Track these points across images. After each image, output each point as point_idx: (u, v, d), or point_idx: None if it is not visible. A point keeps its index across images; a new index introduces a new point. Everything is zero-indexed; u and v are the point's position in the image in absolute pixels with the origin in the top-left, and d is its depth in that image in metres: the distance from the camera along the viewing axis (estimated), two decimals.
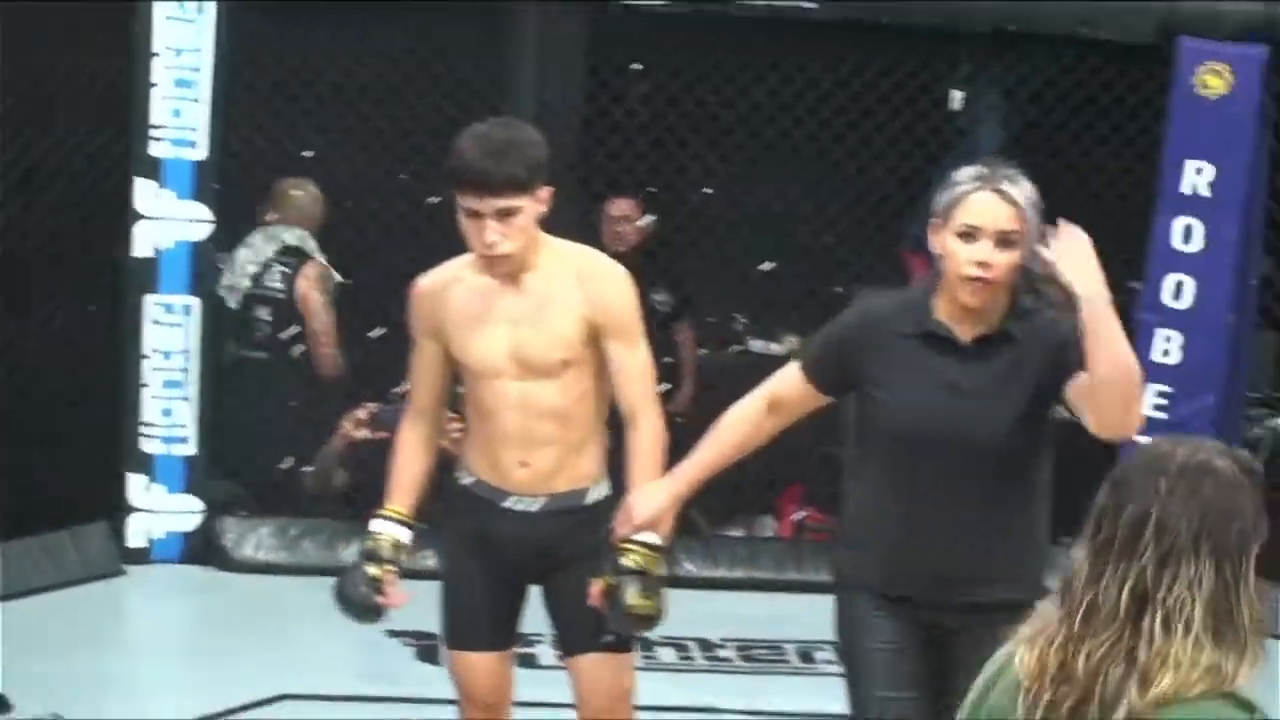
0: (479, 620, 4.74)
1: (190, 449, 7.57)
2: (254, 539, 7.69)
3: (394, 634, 6.97)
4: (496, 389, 4.56)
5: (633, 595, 4.44)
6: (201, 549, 7.62)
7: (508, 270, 4.52)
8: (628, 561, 4.46)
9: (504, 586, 4.69)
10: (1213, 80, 7.67)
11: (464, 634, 4.77)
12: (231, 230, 7.73)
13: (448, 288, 4.63)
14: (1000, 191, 4.15)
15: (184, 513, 7.61)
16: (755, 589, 7.18)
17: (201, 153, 7.49)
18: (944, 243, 4.18)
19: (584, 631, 4.60)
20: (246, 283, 7.88)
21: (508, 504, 4.62)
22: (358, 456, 7.73)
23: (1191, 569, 2.65)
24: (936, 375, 4.23)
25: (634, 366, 4.57)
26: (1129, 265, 7.61)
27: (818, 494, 8.08)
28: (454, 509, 4.76)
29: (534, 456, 4.57)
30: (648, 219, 8.08)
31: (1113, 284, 7.37)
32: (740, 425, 4.46)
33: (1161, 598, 2.65)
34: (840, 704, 6.45)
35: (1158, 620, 2.64)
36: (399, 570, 4.74)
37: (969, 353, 4.23)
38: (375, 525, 4.76)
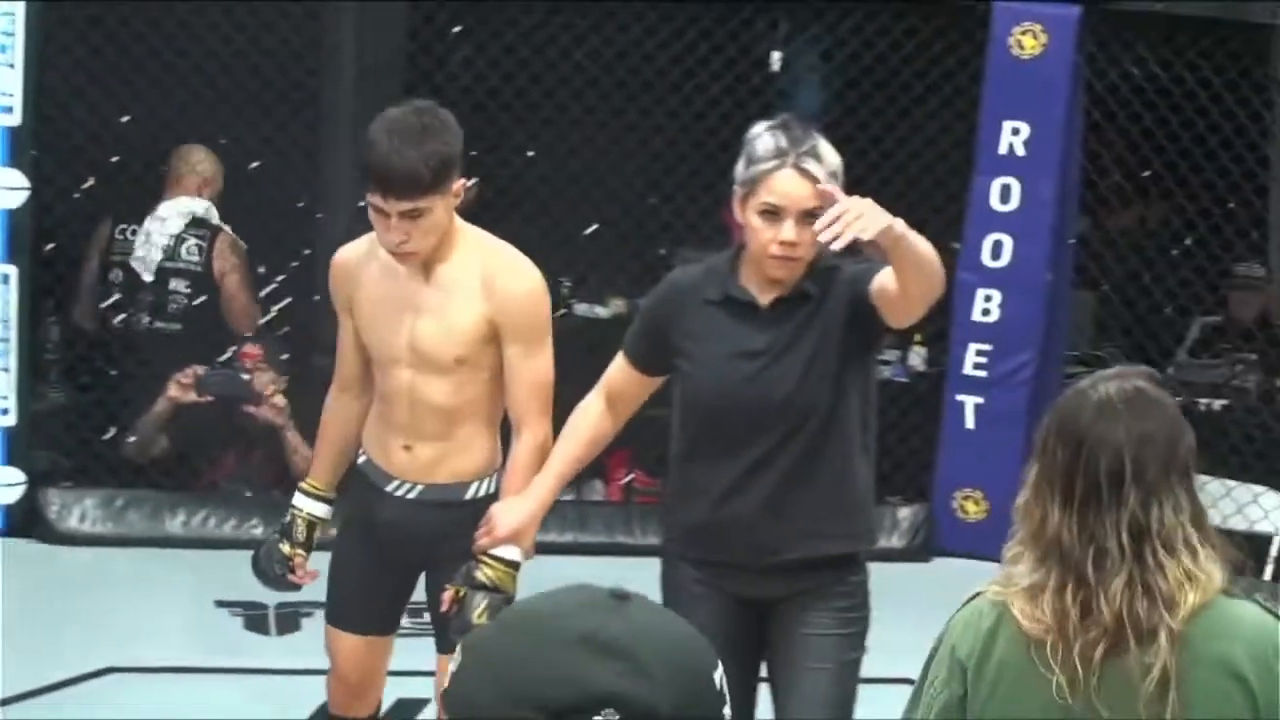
0: (350, 602, 4.75)
1: (10, 420, 7.50)
2: (79, 510, 7.62)
3: (222, 604, 6.98)
4: (391, 375, 4.55)
5: (478, 613, 4.42)
6: (24, 521, 7.55)
7: (416, 263, 4.47)
8: (481, 575, 4.45)
9: (384, 572, 4.68)
10: (1028, 41, 7.79)
11: (336, 612, 4.79)
12: (48, 199, 7.64)
13: (362, 265, 4.61)
14: (801, 170, 4.15)
15: (6, 485, 7.54)
16: (585, 553, 7.20)
17: (16, 119, 7.38)
18: (747, 217, 4.21)
19: (445, 631, 4.59)
20: (159, 255, 7.81)
21: (389, 488, 4.62)
22: (180, 422, 7.71)
23: (1171, 497, 2.91)
24: (734, 341, 4.26)
25: (527, 374, 4.51)
26: (949, 226, 7.74)
27: (645, 457, 8.11)
28: (349, 485, 4.75)
29: (418, 445, 4.56)
30: (470, 183, 8.06)
31: (939, 242, 7.52)
32: (585, 428, 4.49)
33: (1155, 530, 2.87)
34: None
35: (1159, 550, 2.86)
36: (309, 547, 4.75)
37: (766, 315, 4.25)
38: (295, 500, 4.75)
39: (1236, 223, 8.56)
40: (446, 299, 4.49)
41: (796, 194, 4.15)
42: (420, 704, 6.25)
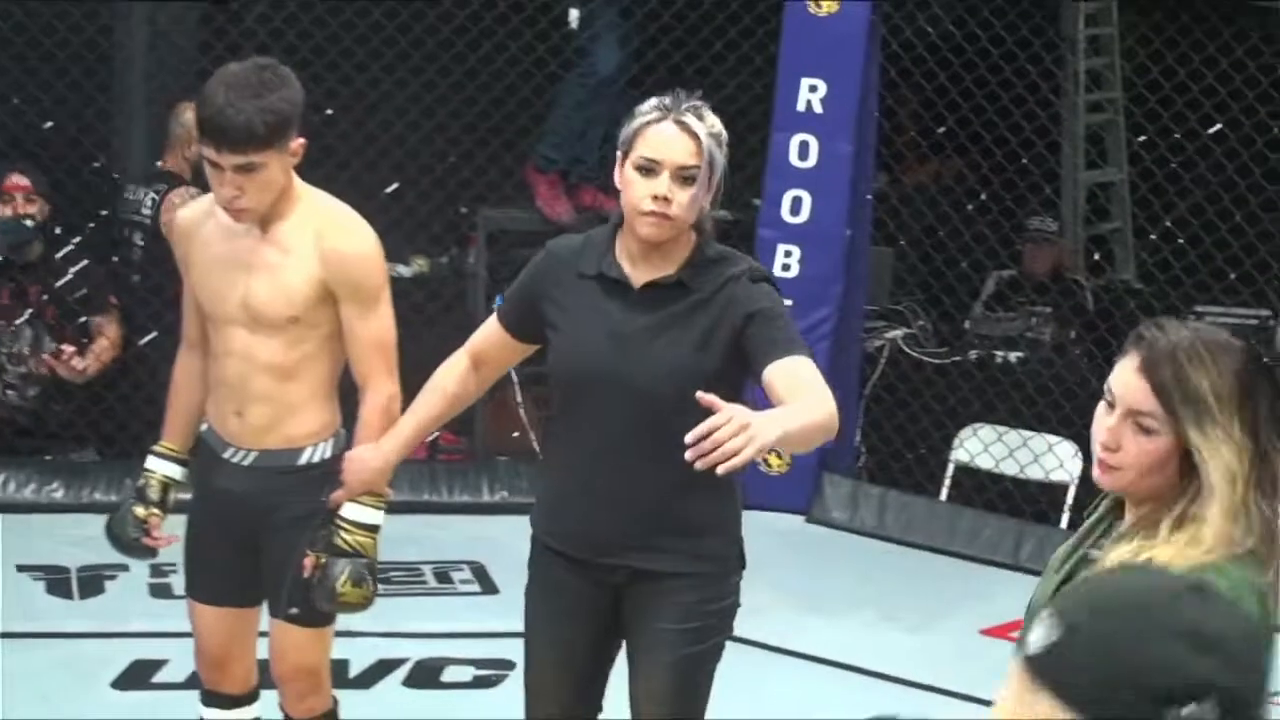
0: (202, 573, 4.70)
1: None
2: None
3: (23, 568, 6.95)
4: (224, 334, 4.50)
5: (342, 581, 4.41)
6: None
7: (251, 221, 4.41)
8: (340, 541, 4.43)
9: (229, 542, 4.62)
10: (825, 1, 7.89)
11: (190, 583, 4.75)
12: None
13: (200, 224, 4.54)
14: (681, 124, 4.08)
15: None
16: (391, 511, 7.24)
17: None
18: (623, 174, 4.12)
19: (279, 598, 4.57)
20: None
21: (226, 455, 4.58)
22: None
23: None
24: (603, 319, 4.17)
25: (364, 333, 4.47)
26: (749, 182, 7.84)
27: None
28: (196, 453, 4.70)
29: (249, 409, 4.51)
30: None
31: (736, 200, 7.63)
32: (447, 384, 4.43)
33: None
34: (476, 623, 6.65)
35: None
36: (164, 511, 4.69)
37: (636, 298, 4.16)
38: (149, 462, 4.69)
39: (1029, 178, 8.74)
40: (282, 258, 4.43)
41: (673, 147, 4.07)
42: (398, 663, 6.34)
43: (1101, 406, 3.14)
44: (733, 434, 3.56)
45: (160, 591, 6.61)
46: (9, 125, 7.92)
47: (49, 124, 7.94)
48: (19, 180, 7.66)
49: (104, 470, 7.54)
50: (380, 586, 6.79)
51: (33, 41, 7.82)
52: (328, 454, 4.56)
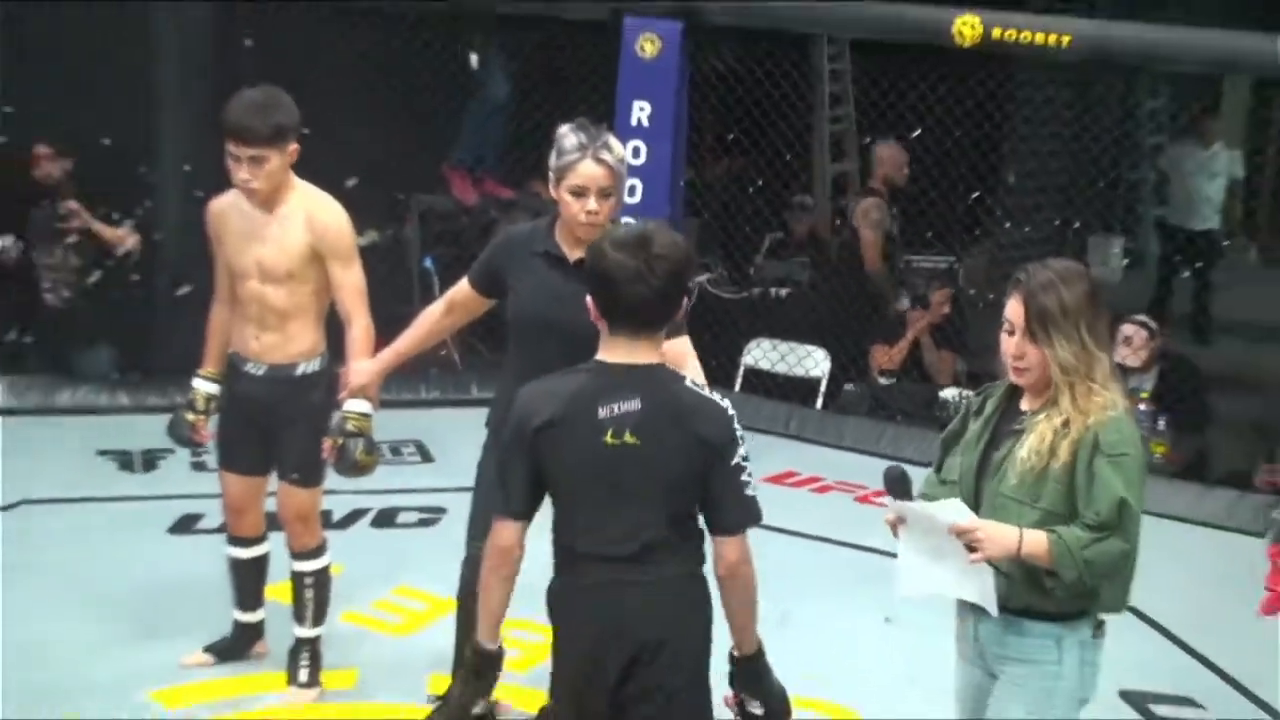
0: (228, 450, 4.75)
1: None
2: None
3: (101, 452, 6.96)
4: (246, 288, 4.56)
5: (360, 453, 4.47)
6: None
7: (260, 201, 4.46)
8: (350, 426, 4.47)
9: (248, 429, 4.67)
10: (649, 45, 7.89)
11: (221, 457, 4.78)
12: None
13: (226, 211, 4.59)
14: (599, 160, 4.08)
15: None
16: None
17: None
18: (560, 195, 4.14)
19: (283, 467, 4.65)
20: None
21: (246, 368, 4.63)
22: None
23: None
24: (546, 283, 4.20)
25: (346, 281, 4.51)
26: None
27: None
28: (228, 369, 4.71)
29: (261, 336, 4.58)
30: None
31: None
32: (427, 322, 4.45)
33: None
34: (419, 482, 6.67)
35: None
36: (208, 416, 4.74)
37: (570, 268, 4.17)
38: (194, 382, 4.71)
39: (791, 168, 8.85)
40: (282, 230, 4.50)
41: (596, 175, 4.08)
42: (365, 511, 6.35)
43: (1003, 335, 3.19)
44: None
45: (198, 468, 6.61)
46: (62, 119, 7.74)
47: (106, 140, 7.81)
48: (43, 149, 7.60)
49: (156, 384, 7.49)
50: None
51: (90, 78, 7.68)
52: (315, 368, 4.63)
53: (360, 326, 4.53)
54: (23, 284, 7.68)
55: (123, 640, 5.11)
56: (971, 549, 3.07)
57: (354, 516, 6.31)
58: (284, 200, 4.50)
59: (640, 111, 7.90)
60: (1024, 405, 3.22)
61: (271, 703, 4.76)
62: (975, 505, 3.17)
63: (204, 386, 4.76)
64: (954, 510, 3.11)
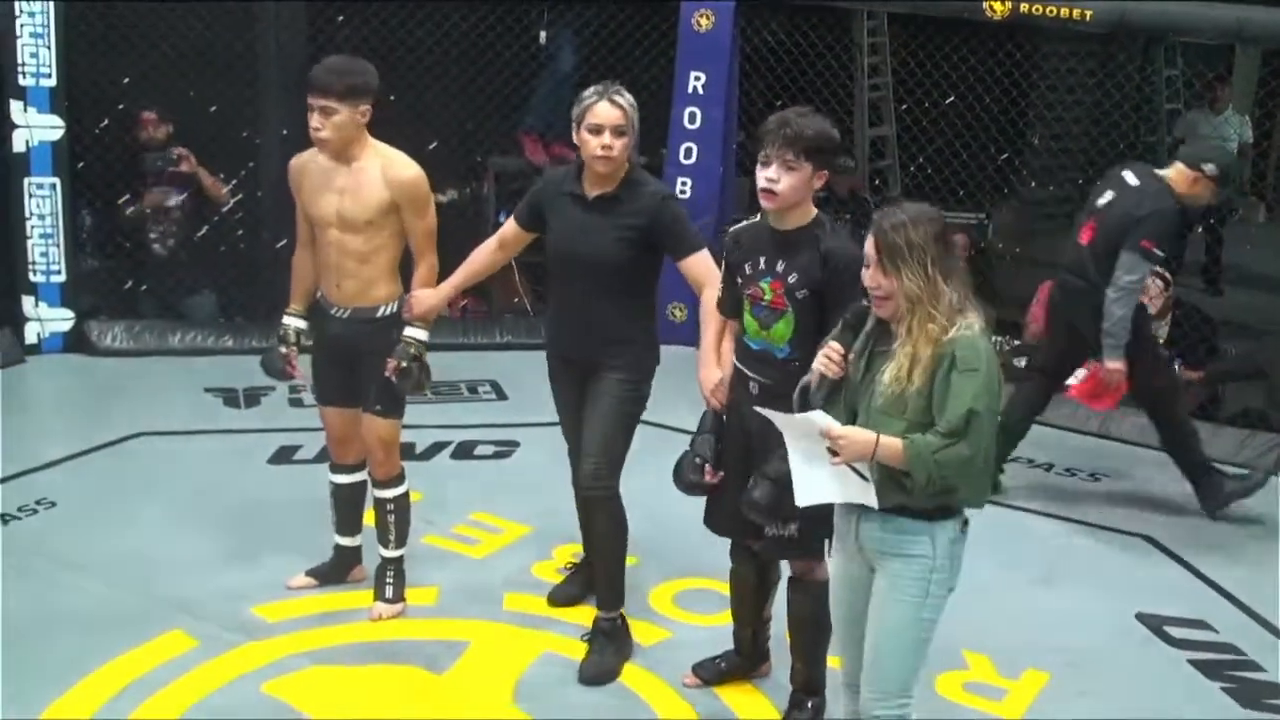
0: (323, 386, 4.76)
1: (62, 277, 7.35)
2: (110, 334, 7.48)
3: (208, 390, 6.96)
4: (326, 236, 4.54)
5: (420, 375, 4.53)
6: (76, 342, 7.41)
7: (331, 153, 4.45)
8: (411, 350, 4.51)
9: (336, 366, 4.69)
10: (704, 20, 7.86)
11: (317, 393, 4.80)
12: (77, 134, 7.42)
13: (305, 165, 4.59)
14: (613, 101, 4.21)
15: (62, 320, 7.39)
16: (440, 350, 7.20)
17: (53, 82, 7.18)
18: (581, 136, 4.24)
19: (367, 400, 4.64)
20: None
21: (332, 311, 4.63)
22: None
23: None
24: (573, 218, 4.32)
25: (419, 227, 4.51)
26: (660, 138, 7.84)
27: (474, 289, 8.19)
28: (313, 310, 4.73)
29: (345, 282, 4.56)
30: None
31: (651, 150, 7.56)
32: (481, 256, 4.57)
33: None
34: (494, 418, 6.68)
35: None
36: (298, 349, 4.74)
37: (591, 205, 4.29)
38: (284, 319, 4.73)
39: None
40: (358, 182, 4.48)
41: (611, 114, 4.20)
42: (446, 444, 6.33)
43: (864, 269, 3.27)
44: None
45: (295, 404, 6.65)
46: (187, 108, 7.79)
47: (213, 108, 7.82)
48: (149, 114, 7.58)
49: (258, 328, 7.47)
50: (432, 397, 6.92)
51: (200, 55, 7.69)
52: (393, 310, 4.61)
53: (427, 264, 4.56)
54: (136, 237, 7.67)
55: (228, 559, 5.11)
56: (834, 453, 3.18)
57: (435, 449, 6.29)
58: (360, 156, 4.48)
59: (696, 80, 7.86)
60: (890, 328, 3.31)
61: (363, 618, 4.75)
62: (854, 418, 3.28)
63: (292, 322, 4.76)
64: (819, 419, 3.20)
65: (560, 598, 4.87)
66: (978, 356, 3.17)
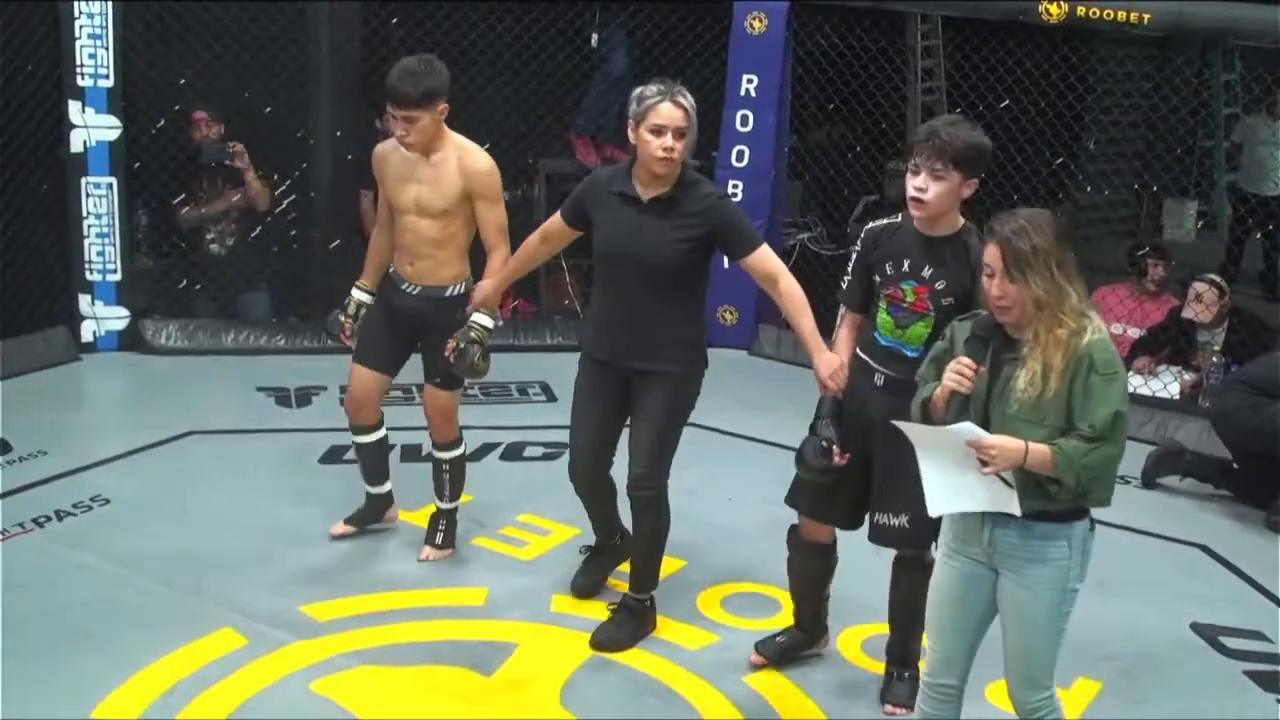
0: (367, 347, 4.97)
1: (117, 276, 7.41)
2: (165, 333, 7.54)
3: (260, 389, 7.00)
4: (404, 220, 4.78)
5: (477, 358, 4.68)
6: (130, 341, 7.46)
7: (416, 152, 4.67)
8: (472, 334, 4.66)
9: (394, 335, 4.92)
10: (756, 23, 7.83)
11: (358, 352, 5.00)
12: (134, 134, 7.48)
13: (388, 155, 4.81)
14: (676, 102, 4.20)
15: (117, 318, 7.44)
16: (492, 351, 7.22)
17: (110, 82, 7.24)
18: (640, 135, 4.21)
19: (430, 372, 4.90)
20: None
21: (404, 287, 4.86)
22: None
23: None
24: (625, 219, 4.30)
25: (490, 218, 4.72)
26: (711, 141, 7.82)
27: (525, 290, 8.22)
28: (383, 282, 4.93)
29: (416, 262, 4.81)
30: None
31: (702, 152, 7.52)
32: (528, 250, 4.63)
33: None
34: (544, 419, 6.69)
35: None
36: (357, 320, 4.97)
37: (645, 207, 4.28)
38: (353, 292, 4.99)
39: (887, 136, 8.68)
40: (437, 174, 4.71)
41: (674, 116, 4.20)
42: (496, 445, 6.35)
43: (985, 278, 3.28)
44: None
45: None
46: (241, 109, 7.83)
47: (268, 109, 7.86)
48: (201, 114, 7.64)
49: (310, 328, 7.51)
50: (482, 398, 6.93)
51: (256, 57, 7.73)
52: (461, 291, 4.85)
53: (500, 256, 4.74)
54: (192, 238, 7.73)
55: (278, 558, 5.14)
56: (984, 463, 3.21)
57: (485, 450, 6.29)
58: (438, 149, 4.70)
59: (749, 83, 7.86)
60: (1013, 335, 3.31)
61: (412, 618, 4.75)
62: (985, 425, 3.28)
63: (359, 295, 5.02)
64: (967, 430, 3.22)
65: (582, 587, 4.91)
66: (1116, 359, 3.25)
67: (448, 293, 4.83)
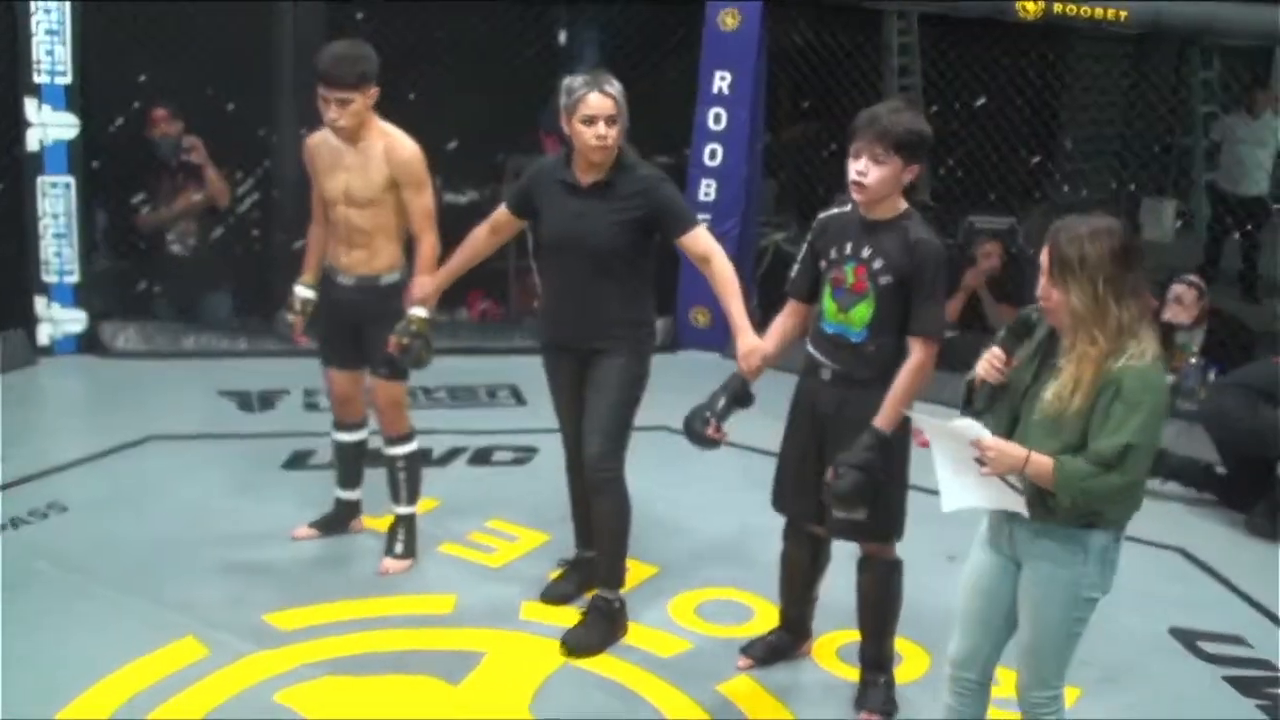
0: (326, 350, 5.06)
1: (75, 278, 7.37)
2: (123, 336, 7.51)
3: (222, 393, 6.96)
4: (335, 211, 4.82)
5: (421, 350, 4.73)
6: (88, 344, 7.43)
7: (346, 137, 4.72)
8: (413, 327, 4.70)
9: (343, 331, 4.96)
10: (729, 19, 7.83)
11: (324, 355, 5.08)
12: (92, 133, 7.44)
13: (318, 145, 4.86)
14: (604, 91, 4.33)
15: (74, 321, 7.41)
16: (457, 354, 7.22)
17: (69, 80, 7.20)
18: (574, 126, 4.35)
19: (374, 363, 4.94)
20: None
21: (338, 279, 4.91)
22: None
23: None
24: (566, 206, 4.43)
25: (418, 206, 4.77)
26: (683, 139, 7.83)
27: (493, 292, 8.20)
28: (323, 279, 4.98)
29: (350, 252, 4.85)
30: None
31: (674, 150, 7.52)
32: (475, 243, 4.68)
33: None
34: (513, 423, 6.67)
35: None
36: (304, 317, 5.01)
37: (584, 192, 4.41)
38: (295, 289, 5.00)
39: None
40: (364, 161, 4.76)
41: (603, 105, 4.32)
42: (464, 449, 6.31)
43: (1039, 277, 3.23)
44: None
45: (310, 408, 6.64)
46: (202, 106, 7.79)
47: (230, 106, 7.83)
48: (161, 111, 7.63)
49: (272, 330, 7.45)
50: (450, 401, 6.90)
51: (217, 55, 7.69)
52: (396, 279, 4.89)
53: (427, 244, 4.78)
54: (152, 238, 7.69)
55: (241, 565, 5.10)
56: (982, 463, 3.19)
57: (452, 454, 6.27)
58: (366, 137, 4.74)
59: (721, 80, 7.86)
60: (1064, 343, 3.27)
61: (378, 627, 4.73)
62: (1016, 421, 3.28)
63: (301, 292, 5.03)
64: (969, 428, 3.20)
65: (553, 595, 4.91)
66: (1146, 389, 3.11)
67: (382, 281, 4.86)
